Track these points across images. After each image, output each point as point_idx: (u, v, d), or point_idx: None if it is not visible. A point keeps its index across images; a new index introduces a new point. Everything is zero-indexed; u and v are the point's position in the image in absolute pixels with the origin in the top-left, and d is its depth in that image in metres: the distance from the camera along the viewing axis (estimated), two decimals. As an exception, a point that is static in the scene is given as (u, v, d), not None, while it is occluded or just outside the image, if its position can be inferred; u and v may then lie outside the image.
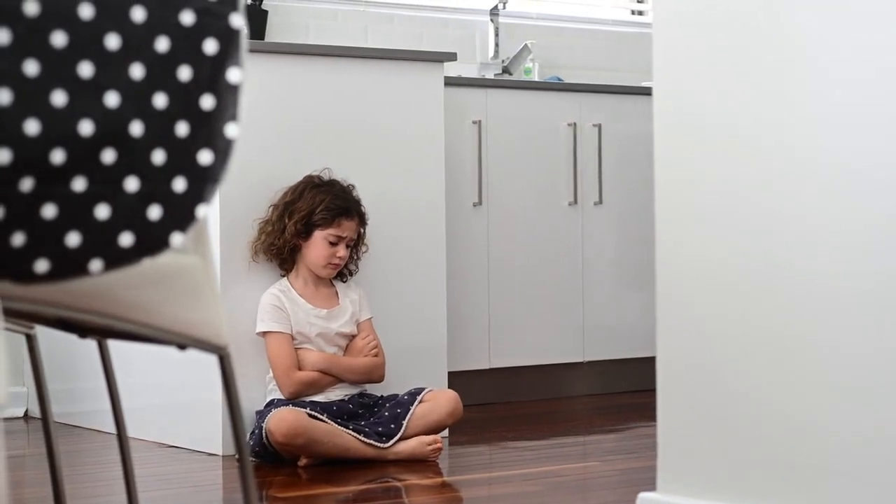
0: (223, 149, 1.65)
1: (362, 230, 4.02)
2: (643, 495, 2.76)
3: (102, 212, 1.56)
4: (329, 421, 3.76)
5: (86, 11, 1.52)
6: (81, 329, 1.89)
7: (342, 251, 3.94)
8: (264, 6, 5.33)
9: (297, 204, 3.92)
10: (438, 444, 3.84)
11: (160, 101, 1.59)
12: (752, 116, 2.58)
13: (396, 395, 3.95)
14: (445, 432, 4.08)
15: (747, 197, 2.59)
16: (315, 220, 3.91)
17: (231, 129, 1.65)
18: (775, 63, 2.55)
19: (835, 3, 2.47)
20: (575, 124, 5.12)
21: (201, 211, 1.64)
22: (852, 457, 2.42)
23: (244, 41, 1.66)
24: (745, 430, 2.58)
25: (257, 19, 5.21)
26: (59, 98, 1.50)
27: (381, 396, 3.97)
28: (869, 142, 2.41)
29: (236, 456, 1.87)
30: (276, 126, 4.07)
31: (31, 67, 1.48)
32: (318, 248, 3.92)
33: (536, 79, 5.77)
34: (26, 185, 1.49)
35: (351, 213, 3.96)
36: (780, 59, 2.55)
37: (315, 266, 3.94)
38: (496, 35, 5.84)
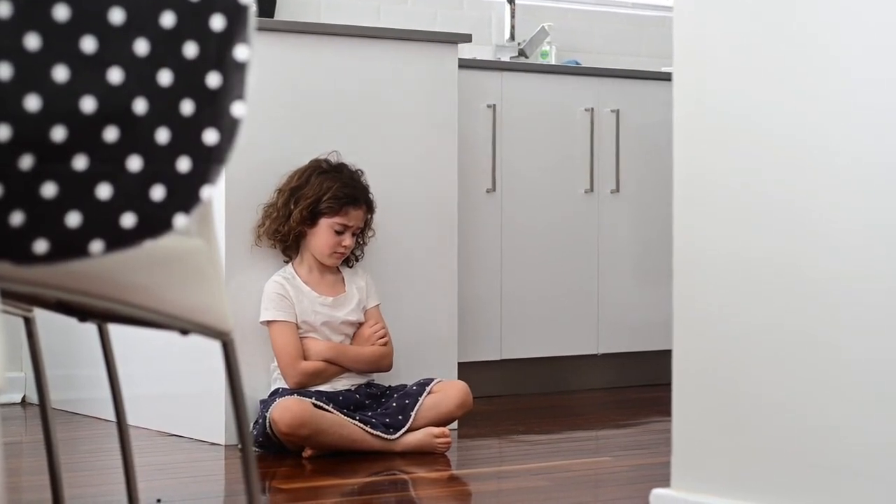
0: (229, 128, 1.63)
1: (369, 217, 3.97)
2: (656, 492, 2.76)
3: (104, 191, 1.54)
4: (335, 411, 3.73)
5: (90, -16, 1.51)
6: (81, 312, 1.89)
7: (348, 240, 3.90)
8: (276, -15, 5.28)
9: (303, 190, 3.88)
10: (447, 437, 3.81)
11: (165, 78, 1.57)
12: (774, 109, 2.58)
13: (405, 386, 3.92)
14: (454, 424, 4.05)
15: (767, 191, 2.58)
16: (321, 208, 3.87)
17: (238, 109, 1.64)
18: (799, 54, 2.54)
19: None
20: (592, 110, 5.08)
21: (206, 192, 1.63)
22: (869, 456, 2.41)
23: (252, 18, 1.65)
24: (761, 427, 2.58)
25: (268, -2, 5.17)
26: (60, 73, 1.49)
27: (389, 387, 3.94)
28: (894, 137, 2.38)
29: (239, 446, 1.84)
30: (284, 107, 4.03)
31: (32, 41, 1.47)
32: (323, 236, 3.88)
33: (553, 62, 5.75)
34: (26, 162, 1.48)
35: (358, 201, 3.91)
36: (803, 50, 2.53)
37: (320, 255, 3.90)
38: (512, 17, 5.81)
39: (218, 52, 1.60)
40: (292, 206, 3.88)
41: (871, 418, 2.40)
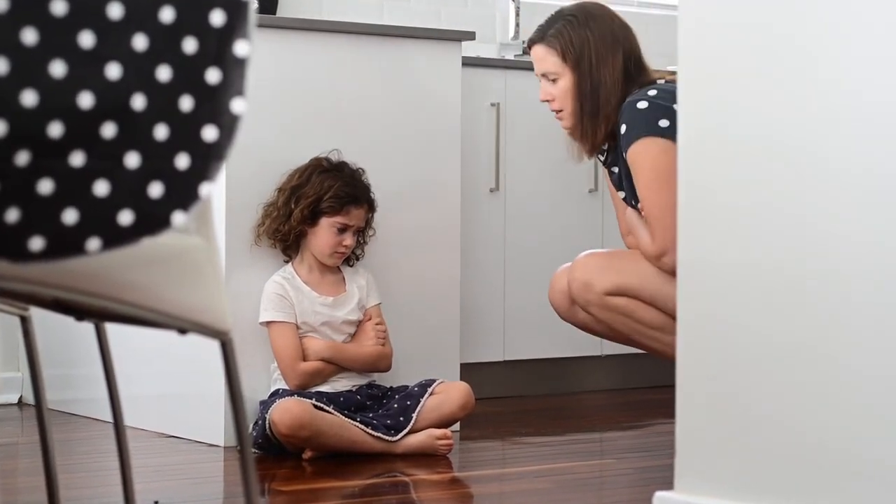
0: (229, 125, 1.63)
1: (371, 216, 3.95)
2: (660, 494, 2.75)
3: (101, 188, 1.54)
4: (335, 412, 3.71)
5: (88, -21, 1.51)
6: (78, 311, 1.89)
7: (349, 240, 3.88)
8: (278, -18, 5.27)
9: (304, 189, 3.86)
10: (449, 439, 3.79)
11: (164, 73, 1.57)
12: (778, 118, 2.58)
13: (406, 387, 3.90)
14: (456, 426, 4.03)
15: (771, 201, 2.58)
16: (322, 208, 3.85)
17: (237, 105, 1.63)
18: (804, 64, 2.52)
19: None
20: (595, 109, 5.05)
21: (205, 190, 1.62)
22: (871, 458, 2.41)
23: (252, 13, 1.65)
24: (765, 429, 2.57)
25: (270, -5, 5.15)
26: (57, 69, 1.48)
27: (391, 388, 3.92)
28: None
29: (238, 447, 1.82)
30: (285, 105, 4.01)
31: (30, 36, 1.46)
32: (324, 235, 3.86)
33: (557, 62, 5.70)
34: (22, 158, 1.47)
35: (360, 200, 3.89)
36: (809, 60, 2.52)
37: (320, 254, 3.88)
38: (517, 14, 5.79)
39: (218, 47, 1.59)
40: (293, 206, 3.85)
41: (873, 422, 2.40)
